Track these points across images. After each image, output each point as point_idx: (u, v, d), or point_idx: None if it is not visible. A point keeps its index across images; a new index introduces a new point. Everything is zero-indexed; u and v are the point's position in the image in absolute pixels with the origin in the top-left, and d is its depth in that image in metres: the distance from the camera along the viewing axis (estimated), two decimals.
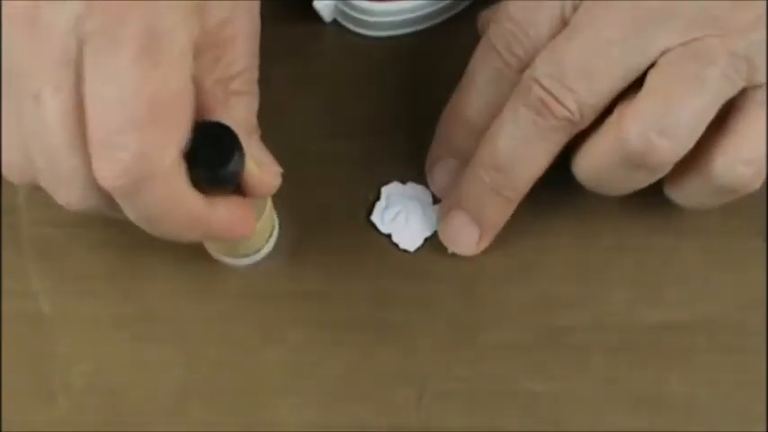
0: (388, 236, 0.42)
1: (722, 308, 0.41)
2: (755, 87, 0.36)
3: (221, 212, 0.35)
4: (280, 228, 0.42)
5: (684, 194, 0.39)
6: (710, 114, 0.36)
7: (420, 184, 0.43)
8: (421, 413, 0.39)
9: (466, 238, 0.41)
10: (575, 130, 0.37)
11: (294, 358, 0.40)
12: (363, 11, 0.44)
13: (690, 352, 0.40)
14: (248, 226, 0.37)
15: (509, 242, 0.42)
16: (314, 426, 0.39)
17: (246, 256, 0.41)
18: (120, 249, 0.42)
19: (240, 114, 0.35)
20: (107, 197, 0.33)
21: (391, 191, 0.43)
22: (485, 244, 0.41)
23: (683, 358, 0.40)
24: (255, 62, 0.35)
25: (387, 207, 0.42)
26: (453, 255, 0.42)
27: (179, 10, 0.32)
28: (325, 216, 0.42)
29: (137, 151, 0.31)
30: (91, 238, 0.42)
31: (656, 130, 0.35)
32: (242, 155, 0.34)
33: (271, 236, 0.41)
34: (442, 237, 0.41)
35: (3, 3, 0.32)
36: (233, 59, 0.34)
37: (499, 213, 0.40)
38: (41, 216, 0.42)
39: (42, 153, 0.33)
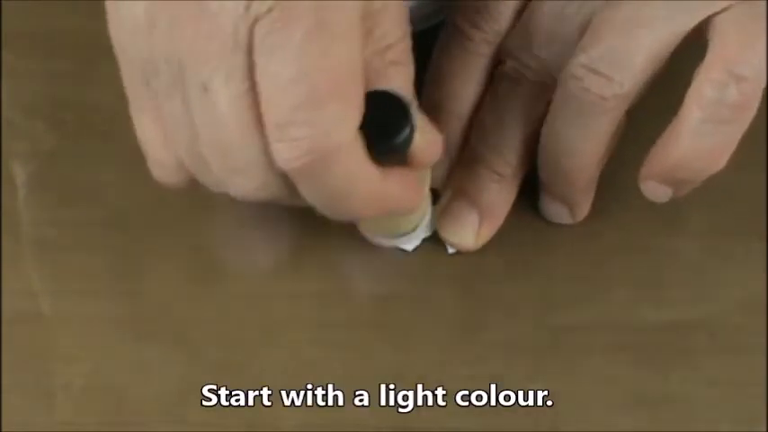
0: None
1: (722, 308, 0.41)
2: (716, 14, 0.36)
3: (394, 184, 0.34)
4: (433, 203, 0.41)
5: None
6: (660, 51, 0.36)
7: None
8: (421, 413, 0.39)
9: (466, 227, 0.41)
10: (551, 93, 0.38)
11: (294, 358, 0.40)
12: None
13: (690, 352, 0.40)
14: (418, 196, 0.37)
15: (509, 242, 0.42)
16: (314, 426, 0.39)
17: (405, 234, 0.41)
18: (120, 249, 0.42)
19: (399, 84, 0.34)
20: (286, 182, 0.33)
21: None
22: (485, 235, 0.41)
23: (683, 358, 0.40)
24: (408, 31, 0.35)
25: None
26: (453, 255, 0.42)
27: None
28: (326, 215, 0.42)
29: (319, 128, 0.31)
30: (91, 238, 0.42)
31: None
32: (413, 121, 0.33)
33: (426, 210, 0.41)
34: (441, 228, 0.41)
35: None
36: (387, 30, 0.34)
37: (498, 196, 0.41)
38: (41, 216, 0.42)
39: (214, 144, 0.33)
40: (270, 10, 0.30)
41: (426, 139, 0.35)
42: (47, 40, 0.46)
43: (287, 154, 0.31)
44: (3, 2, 0.46)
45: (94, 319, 0.41)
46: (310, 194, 0.33)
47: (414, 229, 0.41)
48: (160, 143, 0.35)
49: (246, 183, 0.33)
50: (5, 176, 0.43)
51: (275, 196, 0.34)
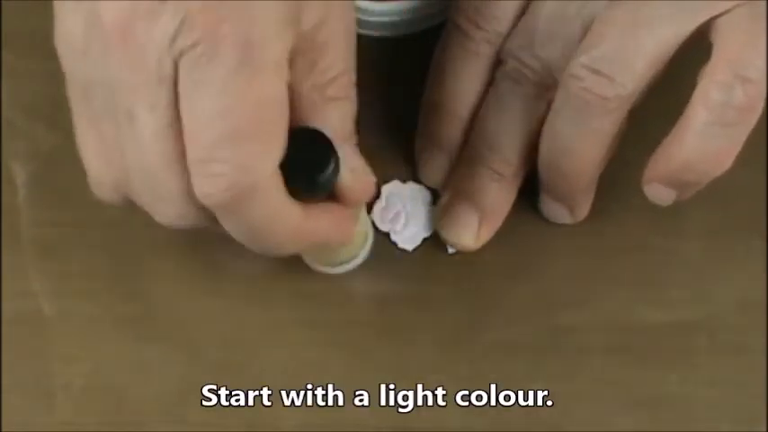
0: (387, 235, 0.42)
1: (722, 308, 0.41)
2: (719, 16, 0.36)
3: (319, 220, 0.34)
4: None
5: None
6: (662, 52, 0.36)
7: (420, 183, 0.43)
8: (421, 413, 0.39)
9: (466, 227, 0.41)
10: (552, 93, 0.38)
11: (294, 358, 0.40)
12: (363, 11, 0.44)
13: (690, 352, 0.40)
14: (347, 233, 0.37)
15: (509, 242, 0.42)
16: (314, 426, 0.39)
17: (343, 263, 0.41)
18: (120, 249, 0.42)
19: (336, 120, 0.34)
20: (207, 213, 0.33)
21: (391, 190, 0.43)
22: (485, 236, 0.41)
23: (683, 358, 0.40)
24: (352, 65, 0.35)
25: (386, 206, 0.42)
26: (453, 255, 0.42)
27: (273, 19, 0.31)
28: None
29: (238, 165, 0.31)
30: (91, 238, 0.42)
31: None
32: (337, 160, 0.33)
33: (366, 241, 0.41)
34: (441, 228, 0.41)
35: (94, 20, 0.31)
36: (329, 64, 0.33)
37: (498, 196, 0.41)
38: (41, 216, 0.42)
39: (139, 171, 0.33)
40: (195, 44, 0.30)
41: (359, 180, 0.35)
42: (47, 40, 0.45)
43: (206, 189, 0.31)
44: (3, 2, 0.46)
45: (94, 319, 0.41)
46: (231, 228, 0.33)
47: (351, 260, 0.41)
48: (99, 161, 0.34)
49: (169, 211, 0.33)
50: (5, 176, 0.43)
51: (198, 226, 0.34)
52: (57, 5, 0.33)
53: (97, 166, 0.34)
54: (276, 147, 0.32)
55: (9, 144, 0.44)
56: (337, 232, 0.36)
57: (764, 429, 0.39)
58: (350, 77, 0.34)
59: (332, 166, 0.33)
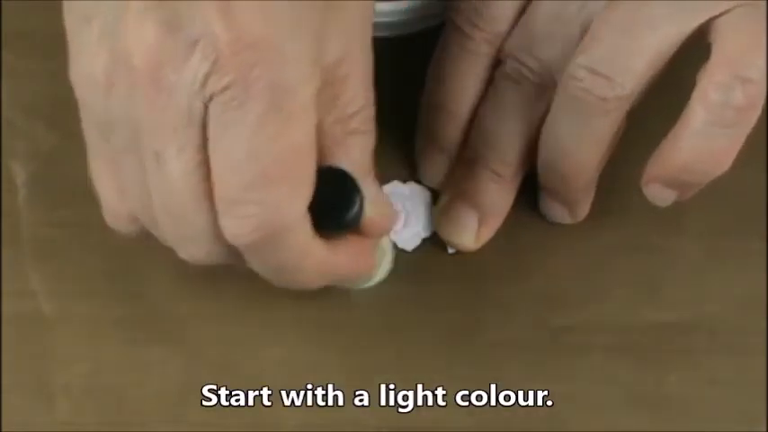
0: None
1: (722, 308, 0.41)
2: (718, 17, 0.36)
3: (343, 255, 0.34)
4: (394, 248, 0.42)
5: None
6: (662, 52, 0.36)
7: (420, 183, 0.43)
8: (421, 413, 0.39)
9: (466, 228, 0.41)
10: (551, 94, 0.38)
11: (294, 358, 0.40)
12: None
13: (690, 352, 0.40)
14: (369, 264, 0.37)
15: (509, 242, 0.42)
16: (314, 426, 0.39)
17: (361, 285, 0.41)
18: (120, 249, 0.42)
19: (357, 154, 0.34)
20: (234, 251, 0.33)
21: (391, 190, 0.43)
22: (485, 236, 0.41)
23: (683, 358, 0.40)
24: (371, 99, 0.34)
25: None
26: (453, 255, 0.42)
27: (304, 60, 0.31)
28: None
29: (268, 207, 0.31)
30: (91, 238, 0.42)
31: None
32: (362, 198, 0.33)
33: (384, 259, 0.41)
34: (441, 228, 0.41)
35: (121, 59, 0.30)
36: (350, 98, 0.33)
37: (497, 197, 0.41)
38: (41, 216, 0.42)
39: (165, 210, 0.32)
40: (226, 88, 0.30)
41: (378, 212, 0.35)
42: (47, 40, 0.46)
43: (235, 230, 0.31)
44: (3, 2, 0.46)
45: (94, 319, 0.41)
46: (257, 266, 0.33)
47: (369, 279, 0.41)
48: (115, 194, 0.34)
49: (195, 249, 0.33)
50: (5, 176, 0.43)
51: (224, 263, 0.34)
52: (72, 36, 0.32)
53: (113, 199, 0.34)
54: (306, 188, 0.32)
55: (9, 144, 0.44)
56: (360, 264, 0.36)
57: (764, 429, 0.39)
58: (369, 111, 0.34)
59: (357, 205, 0.33)
